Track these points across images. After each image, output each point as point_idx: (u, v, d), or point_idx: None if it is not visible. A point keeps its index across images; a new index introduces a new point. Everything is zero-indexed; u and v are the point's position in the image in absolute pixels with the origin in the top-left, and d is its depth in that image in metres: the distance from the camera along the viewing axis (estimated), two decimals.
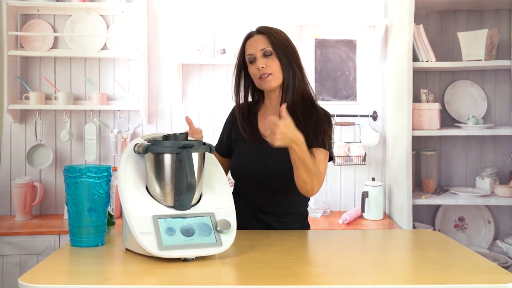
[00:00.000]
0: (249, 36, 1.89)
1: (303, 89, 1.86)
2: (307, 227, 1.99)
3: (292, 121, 1.59)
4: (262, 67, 1.81)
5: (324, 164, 1.80)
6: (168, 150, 1.49)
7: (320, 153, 1.79)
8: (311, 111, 1.84)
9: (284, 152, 1.66)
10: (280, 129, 1.55)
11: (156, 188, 1.49)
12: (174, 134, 1.54)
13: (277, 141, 1.56)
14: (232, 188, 1.99)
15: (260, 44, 1.83)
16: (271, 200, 1.86)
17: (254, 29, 1.91)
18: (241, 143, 1.92)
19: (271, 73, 1.82)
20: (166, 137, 1.54)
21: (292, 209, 1.91)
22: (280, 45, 1.83)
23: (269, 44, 1.82)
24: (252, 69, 1.86)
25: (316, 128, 1.80)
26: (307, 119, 1.81)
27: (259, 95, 1.97)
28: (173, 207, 1.49)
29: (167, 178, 1.48)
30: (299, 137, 1.61)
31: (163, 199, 1.49)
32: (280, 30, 1.88)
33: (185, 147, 1.47)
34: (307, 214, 2.01)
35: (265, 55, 1.82)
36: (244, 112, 1.94)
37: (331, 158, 1.86)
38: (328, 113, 1.88)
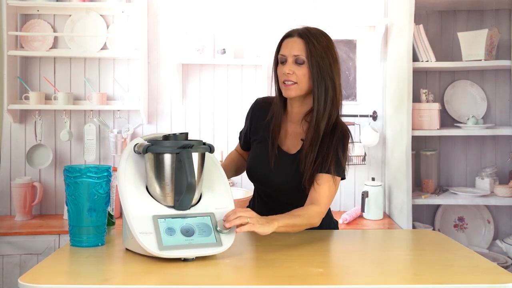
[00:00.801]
0: (288, 35, 1.77)
1: (331, 108, 1.74)
2: (335, 226, 1.97)
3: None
4: (289, 73, 1.72)
5: (326, 194, 1.71)
6: (168, 150, 1.49)
7: (324, 182, 1.71)
8: (328, 134, 1.75)
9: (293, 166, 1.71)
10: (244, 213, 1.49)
11: (156, 188, 1.49)
12: (174, 134, 1.54)
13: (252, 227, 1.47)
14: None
15: (295, 49, 1.72)
16: (282, 207, 1.76)
17: (295, 28, 1.79)
18: (258, 144, 1.89)
19: (296, 82, 1.73)
20: (166, 137, 1.54)
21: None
22: (316, 55, 1.71)
23: (304, 52, 1.71)
24: (280, 70, 1.77)
25: (327, 152, 1.73)
26: (321, 143, 1.74)
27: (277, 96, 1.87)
28: (173, 207, 1.49)
29: (167, 178, 1.48)
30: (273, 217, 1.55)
31: (163, 199, 1.49)
32: (324, 36, 1.76)
33: (185, 147, 1.47)
34: (330, 216, 1.96)
35: (297, 62, 1.72)
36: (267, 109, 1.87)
37: (343, 177, 1.80)
38: (345, 132, 1.77)
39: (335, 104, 1.75)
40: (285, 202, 1.80)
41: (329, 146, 1.73)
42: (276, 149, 1.82)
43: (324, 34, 1.77)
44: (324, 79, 1.72)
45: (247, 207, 2.02)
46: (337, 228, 1.99)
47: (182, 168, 1.45)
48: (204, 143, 1.55)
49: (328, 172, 1.72)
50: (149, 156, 1.50)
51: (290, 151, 1.83)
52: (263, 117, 1.88)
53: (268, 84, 3.14)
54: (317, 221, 1.68)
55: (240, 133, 2.03)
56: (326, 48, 1.73)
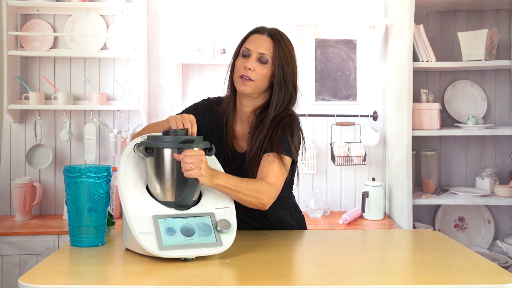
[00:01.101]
0: (257, 31, 1.75)
1: (284, 111, 1.73)
2: (300, 218, 1.92)
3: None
4: (250, 68, 1.69)
5: (276, 173, 1.64)
6: (168, 145, 1.48)
7: (272, 161, 1.65)
8: (276, 122, 1.71)
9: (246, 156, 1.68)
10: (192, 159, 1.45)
11: (156, 184, 1.50)
12: (174, 130, 1.54)
13: (193, 173, 1.44)
14: None
15: (263, 47, 1.71)
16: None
17: (265, 26, 1.77)
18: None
19: (253, 80, 1.70)
20: (166, 133, 1.54)
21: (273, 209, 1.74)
22: (282, 58, 1.70)
23: (272, 53, 1.71)
24: (239, 62, 1.73)
25: (274, 135, 1.69)
26: (267, 130, 1.70)
27: (229, 91, 1.81)
28: (174, 203, 1.49)
29: (167, 174, 1.48)
30: (213, 171, 1.51)
31: (163, 195, 1.49)
32: (289, 42, 1.76)
33: (186, 142, 1.47)
34: (295, 207, 1.92)
35: (261, 60, 1.70)
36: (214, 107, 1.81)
37: (293, 161, 1.73)
38: (293, 117, 1.74)
39: (290, 108, 1.75)
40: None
41: (276, 130, 1.69)
42: (232, 151, 1.77)
43: (289, 40, 1.77)
44: (287, 84, 1.71)
45: None
46: (305, 224, 1.95)
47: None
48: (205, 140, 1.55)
49: (277, 151, 1.66)
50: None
51: (242, 150, 1.79)
52: (215, 120, 1.81)
53: None
54: (265, 198, 1.59)
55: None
56: (292, 54, 1.74)
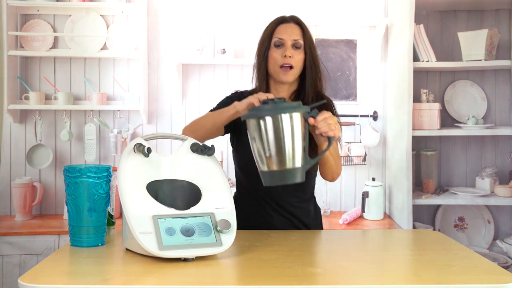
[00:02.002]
0: (283, 21, 1.84)
1: (320, 85, 1.86)
2: (319, 209, 2.02)
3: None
4: (290, 56, 1.78)
5: (338, 152, 1.85)
6: (298, 110, 1.47)
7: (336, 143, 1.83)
8: (324, 105, 1.81)
9: None
10: (332, 120, 1.54)
11: (270, 152, 1.47)
12: (272, 100, 1.51)
13: (336, 132, 1.55)
14: (234, 188, 1.97)
15: (295, 34, 1.81)
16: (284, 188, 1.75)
17: (286, 16, 1.87)
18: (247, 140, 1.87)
19: (293, 67, 1.79)
20: (265, 102, 1.51)
21: (304, 192, 1.92)
22: (310, 41, 1.83)
23: (302, 37, 1.81)
24: (275, 53, 1.80)
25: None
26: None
27: (261, 82, 1.88)
28: (284, 172, 1.47)
29: (288, 139, 1.46)
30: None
31: (276, 163, 1.47)
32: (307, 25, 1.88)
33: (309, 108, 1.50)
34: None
35: (295, 46, 1.80)
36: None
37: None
38: (330, 99, 1.88)
39: (321, 83, 1.87)
40: (281, 192, 1.82)
41: (330, 110, 1.80)
42: None
43: None
44: (315, 62, 1.84)
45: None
46: (320, 215, 2.03)
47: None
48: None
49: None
50: (253, 121, 1.48)
51: None
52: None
53: None
54: (340, 165, 1.83)
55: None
56: (312, 35, 1.87)
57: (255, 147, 1.51)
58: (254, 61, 1.90)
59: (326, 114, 1.54)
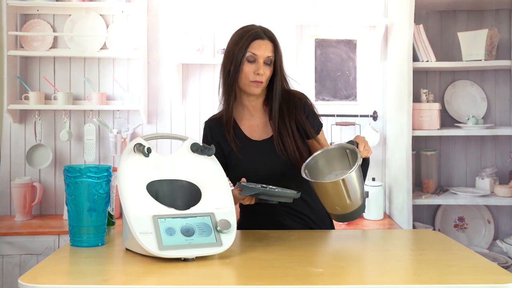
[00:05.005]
0: (258, 37, 1.87)
1: (282, 88, 1.94)
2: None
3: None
4: (262, 74, 1.85)
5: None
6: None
7: (322, 133, 2.00)
8: (292, 102, 1.92)
9: (271, 143, 1.87)
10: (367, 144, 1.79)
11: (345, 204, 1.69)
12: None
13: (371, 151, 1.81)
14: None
15: (268, 51, 1.86)
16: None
17: (260, 30, 1.89)
18: (234, 155, 1.90)
19: (262, 82, 1.86)
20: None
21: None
22: (280, 56, 1.89)
23: (273, 54, 1.87)
24: (248, 68, 1.85)
25: (308, 114, 1.93)
26: (294, 111, 1.90)
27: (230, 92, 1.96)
28: (350, 213, 1.71)
29: (355, 194, 1.68)
30: None
31: (348, 210, 1.70)
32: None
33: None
34: None
35: (266, 63, 1.86)
36: (222, 126, 1.94)
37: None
38: (301, 93, 1.97)
39: (286, 83, 1.96)
40: (291, 178, 1.86)
41: (300, 107, 1.92)
42: (250, 140, 1.91)
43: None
44: (282, 72, 1.92)
45: (241, 209, 2.02)
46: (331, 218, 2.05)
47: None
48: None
49: (321, 126, 1.98)
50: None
51: (266, 137, 1.92)
52: (223, 134, 1.94)
53: None
54: None
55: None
56: (281, 48, 1.92)
57: (326, 201, 1.72)
58: (220, 70, 1.99)
59: (363, 142, 1.78)
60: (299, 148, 1.87)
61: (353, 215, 1.72)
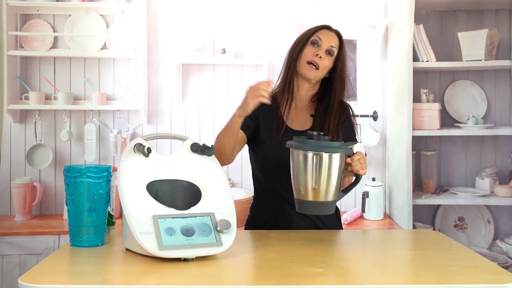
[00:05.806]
0: (326, 27, 1.94)
1: (343, 95, 1.97)
2: (338, 210, 2.02)
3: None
4: (320, 57, 1.86)
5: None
6: (340, 151, 1.58)
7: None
8: (341, 109, 1.94)
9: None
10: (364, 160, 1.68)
11: (306, 183, 1.58)
12: (317, 135, 1.61)
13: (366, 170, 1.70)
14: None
15: (333, 42, 1.90)
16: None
17: (329, 25, 1.96)
18: (270, 134, 1.90)
19: (318, 68, 1.87)
20: (311, 137, 1.61)
21: None
22: (344, 56, 1.93)
23: (338, 48, 1.91)
24: (308, 49, 1.88)
25: (347, 128, 1.94)
26: (340, 118, 1.93)
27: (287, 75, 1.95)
28: (316, 203, 1.59)
29: (334, 174, 1.58)
30: None
31: (313, 194, 1.59)
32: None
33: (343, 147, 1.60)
34: None
35: (329, 52, 1.88)
36: (273, 104, 1.90)
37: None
38: (348, 106, 1.98)
39: (343, 95, 1.98)
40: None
41: (347, 118, 1.95)
42: (284, 127, 1.90)
43: None
44: (343, 78, 1.93)
45: (251, 210, 2.03)
46: (339, 215, 2.05)
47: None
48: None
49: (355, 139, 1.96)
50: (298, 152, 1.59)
51: (302, 128, 1.92)
52: (272, 110, 1.92)
53: None
54: None
55: None
56: (346, 55, 1.98)
57: (295, 175, 1.61)
58: (285, 58, 1.97)
59: (360, 155, 1.66)
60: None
61: (314, 207, 1.61)
